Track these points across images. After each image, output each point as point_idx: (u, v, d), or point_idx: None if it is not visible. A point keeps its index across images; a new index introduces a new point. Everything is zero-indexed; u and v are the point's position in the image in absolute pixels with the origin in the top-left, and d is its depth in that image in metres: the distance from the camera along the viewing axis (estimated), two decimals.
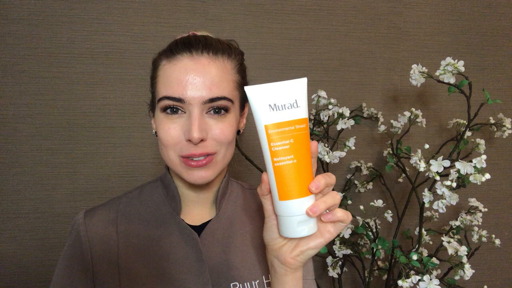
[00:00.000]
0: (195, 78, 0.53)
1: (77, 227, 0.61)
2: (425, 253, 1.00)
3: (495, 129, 1.08)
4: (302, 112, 0.46)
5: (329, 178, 0.46)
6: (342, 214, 0.47)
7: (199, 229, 0.62)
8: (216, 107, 0.55)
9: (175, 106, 0.54)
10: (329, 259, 1.01)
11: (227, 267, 0.59)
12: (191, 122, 0.53)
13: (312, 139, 1.07)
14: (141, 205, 0.64)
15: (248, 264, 0.61)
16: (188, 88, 0.53)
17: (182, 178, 0.57)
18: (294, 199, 0.45)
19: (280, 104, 0.45)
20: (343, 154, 0.92)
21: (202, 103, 0.53)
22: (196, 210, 0.64)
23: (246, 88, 0.45)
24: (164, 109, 0.55)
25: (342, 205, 1.05)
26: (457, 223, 0.98)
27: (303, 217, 0.46)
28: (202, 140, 0.54)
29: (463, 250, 0.85)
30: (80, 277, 0.58)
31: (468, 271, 0.85)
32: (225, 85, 0.55)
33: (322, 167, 1.10)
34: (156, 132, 0.60)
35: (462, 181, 0.80)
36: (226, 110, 0.56)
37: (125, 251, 0.59)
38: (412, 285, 0.79)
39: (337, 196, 0.47)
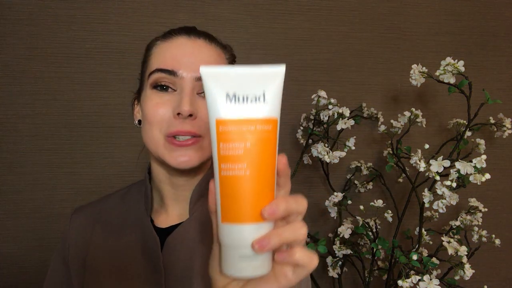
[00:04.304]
0: (190, 55, 0.53)
1: (66, 223, 0.64)
2: (425, 253, 1.00)
3: (495, 129, 1.08)
4: (269, 110, 0.34)
5: (294, 203, 0.35)
6: (302, 256, 0.35)
7: (170, 231, 0.57)
8: None
9: (166, 83, 0.53)
10: (329, 259, 1.01)
11: (190, 275, 0.54)
12: (182, 96, 0.51)
13: (312, 140, 1.07)
14: (123, 205, 0.63)
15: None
16: (183, 63, 0.52)
17: (165, 161, 0.53)
18: (238, 224, 0.34)
19: (241, 94, 0.34)
20: (343, 154, 0.92)
21: (195, 80, 0.52)
22: (173, 210, 0.60)
23: (201, 68, 0.35)
24: (155, 86, 0.53)
25: (342, 205, 1.05)
26: (457, 223, 0.98)
27: (248, 250, 0.34)
28: (191, 116, 0.51)
29: (463, 250, 0.85)
30: (62, 269, 0.61)
31: (468, 271, 0.85)
32: None
33: (322, 167, 1.10)
34: (139, 121, 0.59)
35: (462, 181, 0.80)
36: None
37: (93, 254, 0.59)
38: (412, 285, 0.79)
39: (301, 230, 0.35)
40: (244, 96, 0.34)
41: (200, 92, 0.54)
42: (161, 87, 0.53)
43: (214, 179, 0.35)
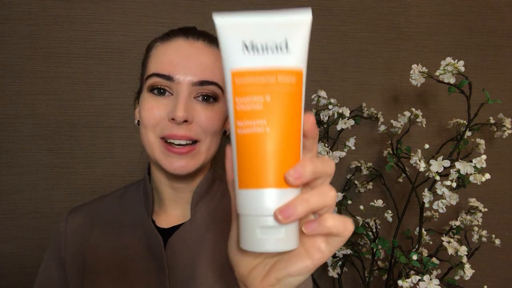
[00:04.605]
0: (187, 59, 0.52)
1: (61, 222, 0.63)
2: (425, 253, 1.00)
3: (495, 129, 1.08)
4: (293, 59, 0.30)
5: (321, 164, 0.30)
6: (335, 223, 0.30)
7: (171, 231, 0.57)
8: (206, 93, 0.53)
9: (163, 87, 0.52)
10: (329, 259, 1.01)
11: (192, 276, 0.54)
12: (177, 101, 0.50)
13: None
14: (121, 206, 0.62)
15: (215, 276, 0.53)
16: (179, 67, 0.51)
17: (161, 166, 0.53)
18: (258, 189, 0.30)
19: (260, 43, 0.30)
20: (343, 154, 0.92)
21: (192, 85, 0.51)
22: (173, 211, 0.60)
23: (214, 17, 0.31)
24: (151, 89, 0.53)
25: (342, 205, 1.05)
26: (457, 223, 0.98)
27: (270, 220, 0.29)
28: (186, 121, 0.51)
29: (463, 250, 0.85)
30: (57, 270, 0.60)
31: (468, 271, 0.85)
32: (217, 72, 0.53)
33: None
34: (138, 121, 0.59)
35: (462, 181, 0.80)
36: (215, 98, 0.54)
37: (92, 254, 0.58)
38: (412, 285, 0.79)
39: (330, 193, 0.30)
40: (263, 45, 0.30)
41: (197, 96, 0.53)
42: (158, 91, 0.53)
43: (230, 142, 0.32)
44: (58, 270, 0.60)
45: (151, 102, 0.53)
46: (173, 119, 0.50)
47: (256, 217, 0.30)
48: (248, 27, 0.30)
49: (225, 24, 0.31)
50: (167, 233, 0.57)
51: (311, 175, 0.30)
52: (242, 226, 0.32)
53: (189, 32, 0.55)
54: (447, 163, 0.80)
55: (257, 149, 0.30)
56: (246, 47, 0.30)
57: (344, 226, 0.31)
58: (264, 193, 0.29)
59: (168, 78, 0.51)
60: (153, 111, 0.52)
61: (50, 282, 0.61)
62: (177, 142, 0.52)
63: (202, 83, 0.52)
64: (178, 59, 0.52)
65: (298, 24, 0.30)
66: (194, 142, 0.53)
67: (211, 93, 0.53)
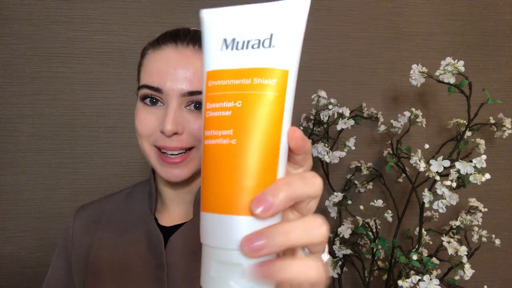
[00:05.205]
0: (176, 69, 0.52)
1: (70, 218, 0.64)
2: (425, 253, 1.00)
3: (495, 129, 1.08)
4: (276, 58, 0.25)
5: (301, 186, 0.24)
6: (301, 270, 0.23)
7: (173, 230, 0.58)
8: (196, 101, 0.52)
9: (154, 97, 0.53)
10: (329, 259, 1.01)
11: (191, 276, 0.54)
12: (166, 113, 0.51)
13: (312, 140, 1.07)
14: (127, 205, 0.63)
15: None
16: (168, 78, 0.51)
17: (157, 172, 0.55)
18: (221, 214, 0.24)
19: (242, 39, 0.26)
20: (343, 154, 0.92)
21: (181, 96, 0.51)
22: (175, 210, 0.61)
23: (202, 11, 0.27)
24: (143, 99, 0.53)
25: (342, 205, 1.05)
26: (457, 223, 0.98)
27: (234, 254, 0.24)
28: (176, 134, 0.51)
29: (463, 250, 0.85)
30: (64, 266, 0.61)
31: (468, 271, 0.85)
32: None
33: (322, 167, 1.10)
34: None
35: (462, 181, 0.80)
36: None
37: (95, 253, 0.59)
38: (412, 285, 0.79)
39: (320, 230, 0.24)
40: (245, 42, 0.25)
41: (188, 105, 0.53)
42: (149, 100, 0.53)
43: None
44: (65, 267, 0.61)
45: (144, 113, 0.53)
46: (163, 132, 0.51)
47: (216, 250, 0.24)
48: (233, 22, 0.26)
49: (209, 19, 0.27)
50: (169, 231, 0.58)
51: (286, 203, 0.23)
52: (202, 259, 0.26)
53: (179, 37, 0.54)
54: (447, 163, 0.80)
55: (220, 164, 0.24)
56: (226, 44, 0.26)
57: (317, 273, 0.24)
58: (228, 221, 0.24)
59: (157, 90, 0.52)
60: (145, 122, 0.53)
61: (57, 278, 0.62)
62: (169, 152, 0.53)
63: (192, 93, 0.52)
64: (166, 69, 0.52)
65: (289, 16, 0.25)
66: (188, 149, 0.54)
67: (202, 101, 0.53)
